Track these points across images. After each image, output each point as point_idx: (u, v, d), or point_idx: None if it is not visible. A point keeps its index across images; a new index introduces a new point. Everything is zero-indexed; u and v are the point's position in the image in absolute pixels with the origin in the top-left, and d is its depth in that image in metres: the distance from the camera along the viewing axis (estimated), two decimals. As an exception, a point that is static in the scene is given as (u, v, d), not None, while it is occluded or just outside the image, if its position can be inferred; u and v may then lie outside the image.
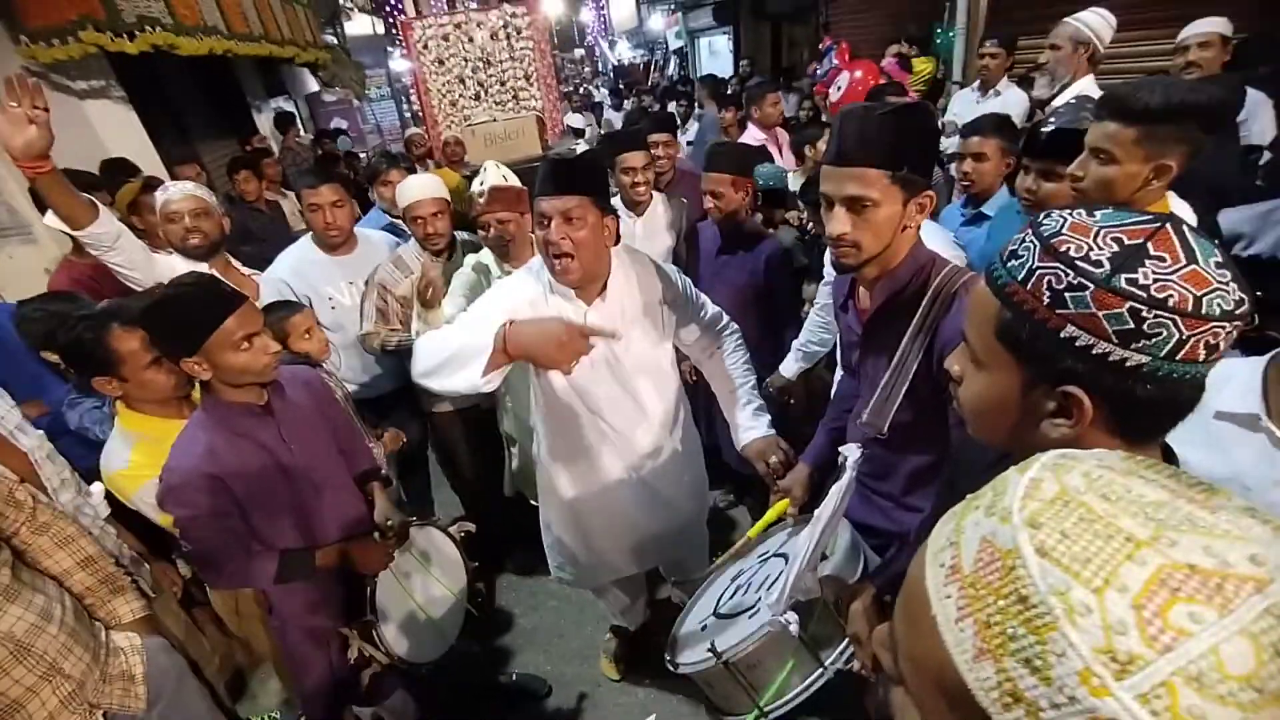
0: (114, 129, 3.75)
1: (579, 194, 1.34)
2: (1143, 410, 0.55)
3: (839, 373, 1.81)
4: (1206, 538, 0.31)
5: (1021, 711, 0.31)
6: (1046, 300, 0.55)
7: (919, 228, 1.15)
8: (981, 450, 0.77)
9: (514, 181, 2.01)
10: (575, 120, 6.55)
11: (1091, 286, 0.53)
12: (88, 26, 3.05)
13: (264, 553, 1.41)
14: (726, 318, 1.73)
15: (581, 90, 13.85)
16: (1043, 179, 1.56)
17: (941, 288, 1.13)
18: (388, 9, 10.86)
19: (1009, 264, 0.59)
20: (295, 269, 2.24)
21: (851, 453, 1.13)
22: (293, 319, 1.84)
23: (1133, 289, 0.52)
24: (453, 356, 1.31)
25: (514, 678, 2.18)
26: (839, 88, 4.38)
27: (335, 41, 8.38)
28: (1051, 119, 1.58)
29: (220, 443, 1.35)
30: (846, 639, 1.05)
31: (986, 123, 2.01)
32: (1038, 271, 0.56)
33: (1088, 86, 2.31)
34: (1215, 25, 2.43)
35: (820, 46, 6.43)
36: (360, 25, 10.87)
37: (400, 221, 2.54)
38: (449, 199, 2.23)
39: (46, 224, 1.89)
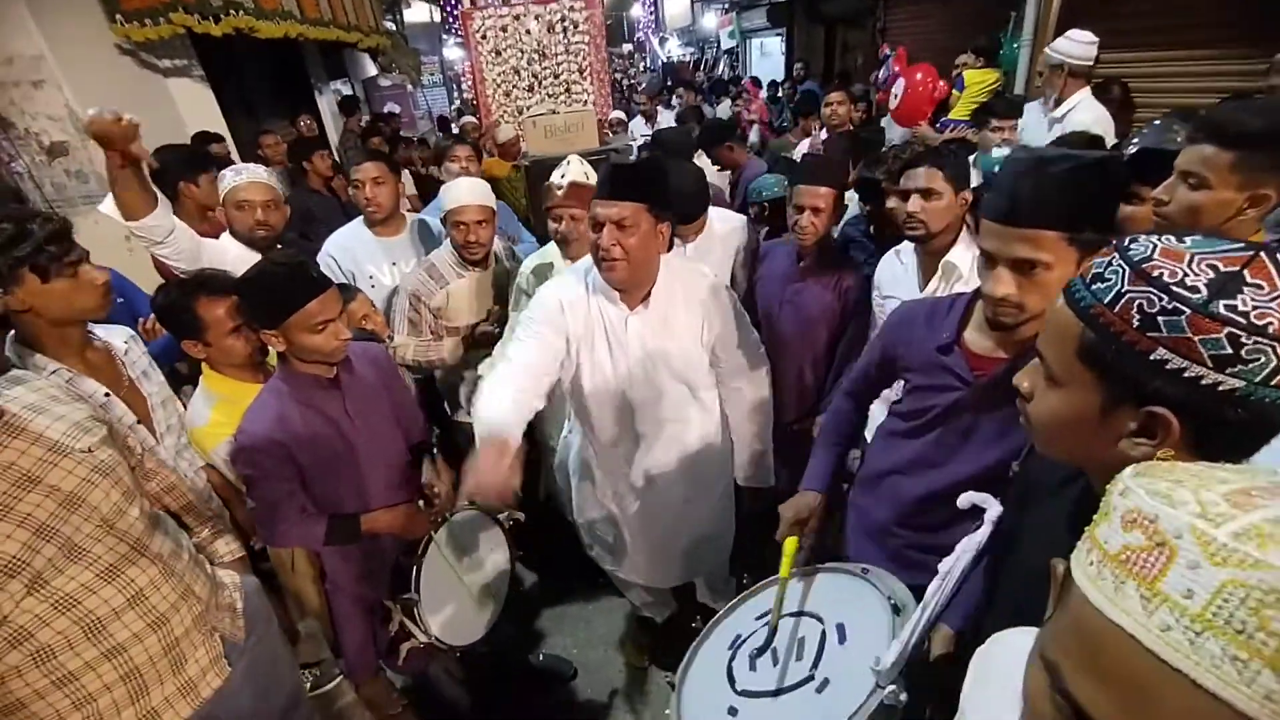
0: (192, 106, 3.95)
1: (635, 200, 1.36)
2: (1230, 432, 0.56)
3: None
4: None
5: None
6: (1137, 323, 0.56)
7: None
8: (1050, 469, 0.78)
9: (593, 180, 2.01)
10: (616, 115, 6.57)
11: (1188, 311, 0.54)
12: (178, 9, 3.24)
13: (316, 516, 1.49)
14: (764, 355, 1.71)
15: (626, 86, 13.85)
16: (1122, 201, 1.47)
17: None
18: (446, -2, 11.06)
19: (1093, 286, 0.60)
20: (342, 246, 2.31)
21: (992, 506, 0.95)
22: (350, 306, 1.89)
23: (1231, 315, 0.52)
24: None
25: (541, 659, 2.24)
26: (897, 95, 4.34)
27: (394, 28, 8.59)
28: (1135, 139, 1.54)
29: (290, 410, 1.44)
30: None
31: (1077, 141, 1.86)
32: (1127, 295, 0.57)
33: (1084, 100, 2.65)
34: None
35: (879, 54, 6.32)
36: (418, 13, 11.12)
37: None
38: (495, 208, 2.14)
39: (101, 210, 1.83)
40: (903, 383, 1.33)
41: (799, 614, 1.09)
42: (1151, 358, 0.56)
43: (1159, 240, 0.58)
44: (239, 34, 3.73)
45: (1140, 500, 0.37)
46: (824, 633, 1.01)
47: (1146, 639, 0.33)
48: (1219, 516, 0.33)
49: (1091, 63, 2.68)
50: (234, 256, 1.97)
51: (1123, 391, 0.59)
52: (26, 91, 2.86)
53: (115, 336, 1.60)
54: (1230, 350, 0.53)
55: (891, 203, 1.92)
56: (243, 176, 2.10)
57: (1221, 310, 0.53)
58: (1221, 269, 0.54)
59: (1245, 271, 0.53)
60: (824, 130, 3.73)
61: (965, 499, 0.96)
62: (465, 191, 2.04)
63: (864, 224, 2.31)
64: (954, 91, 5.04)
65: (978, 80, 4.99)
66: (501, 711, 2.07)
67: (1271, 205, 1.17)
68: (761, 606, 1.15)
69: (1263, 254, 0.53)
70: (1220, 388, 0.54)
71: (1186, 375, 0.55)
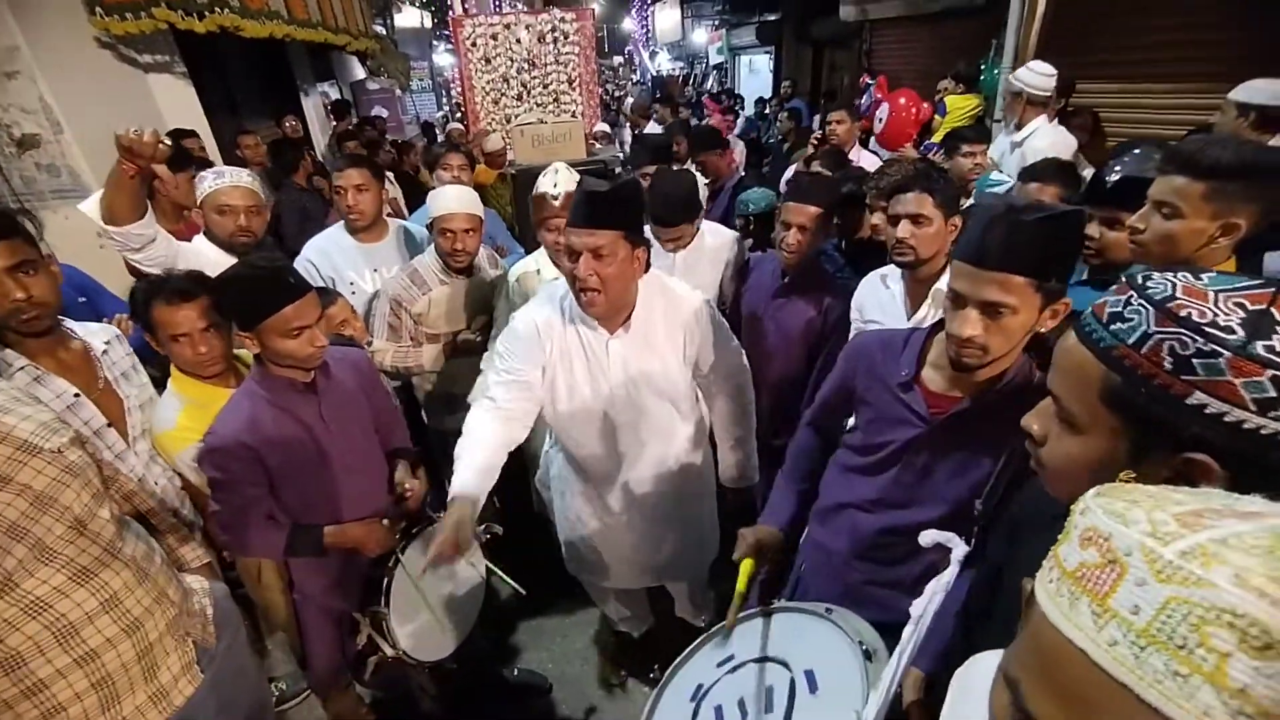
0: (173, 102, 3.88)
1: (611, 228, 1.31)
2: (1273, 477, 0.52)
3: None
4: None
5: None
6: (1169, 366, 0.54)
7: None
8: (1042, 504, 0.75)
9: None
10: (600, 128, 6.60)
11: (1226, 354, 0.52)
12: (160, 4, 3.18)
13: (279, 525, 1.45)
14: (745, 365, 1.71)
15: (615, 98, 13.94)
16: (1105, 227, 1.50)
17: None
18: (438, 5, 11.07)
19: (1112, 326, 0.58)
20: (322, 250, 2.27)
21: (957, 545, 0.94)
22: (329, 310, 1.87)
23: (1272, 356, 0.51)
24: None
25: (516, 673, 2.20)
26: (881, 119, 4.43)
27: (384, 32, 8.56)
28: (1117, 166, 1.57)
29: (263, 413, 1.40)
30: None
31: (1046, 168, 1.88)
32: (1155, 335, 0.55)
33: (1042, 126, 2.84)
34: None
35: (860, 83, 6.45)
36: (409, 18, 11.09)
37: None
38: (482, 217, 2.12)
39: (81, 209, 1.82)
40: (855, 414, 1.31)
41: (763, 659, 1.03)
42: (1188, 402, 0.53)
43: (1177, 278, 0.56)
44: (224, 32, 3.68)
45: (1097, 519, 0.38)
46: (793, 681, 0.96)
47: (1095, 654, 0.34)
48: (1168, 535, 0.34)
49: (1049, 92, 2.86)
50: (211, 260, 1.92)
51: (1155, 437, 0.56)
52: (0, 84, 2.79)
53: (96, 336, 1.56)
54: (1274, 393, 0.51)
55: (876, 219, 1.93)
56: (225, 180, 2.04)
57: (1260, 351, 0.51)
58: (1250, 307, 0.53)
59: (1273, 309, 0.52)
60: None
61: (928, 538, 0.94)
62: (454, 199, 2.02)
63: (835, 237, 2.30)
64: (936, 116, 5.17)
65: (959, 105, 5.12)
66: None
67: (1241, 233, 1.21)
68: (721, 654, 1.09)
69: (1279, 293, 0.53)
70: (1263, 431, 0.52)
71: (1227, 420, 0.52)
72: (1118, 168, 1.56)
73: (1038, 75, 2.84)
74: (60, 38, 3.05)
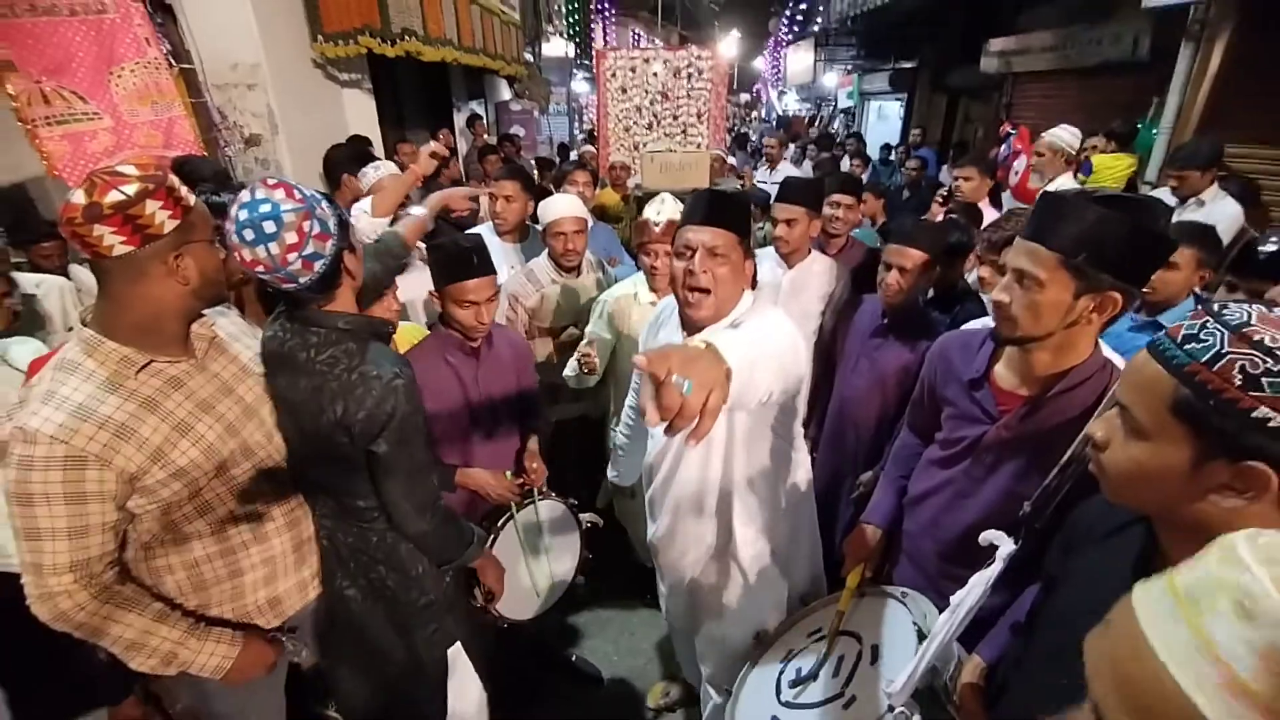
0: (357, 114, 4.54)
1: (730, 229, 1.27)
2: None
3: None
4: None
5: None
6: (1239, 382, 0.61)
7: (1099, 329, 1.10)
8: (1101, 518, 0.82)
9: None
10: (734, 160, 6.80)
11: None
12: (365, 33, 3.78)
13: None
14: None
15: (741, 134, 14.23)
16: (1249, 296, 1.51)
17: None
18: (581, 37, 11.92)
19: (1186, 346, 0.65)
20: None
21: (1004, 543, 1.00)
22: None
23: None
24: None
25: (574, 659, 2.30)
26: (1017, 172, 4.29)
27: (531, 59, 9.36)
28: (1273, 239, 1.53)
29: (432, 363, 1.67)
30: None
31: (1187, 230, 1.83)
32: (1228, 355, 0.62)
33: (1067, 182, 3.38)
34: None
35: (1000, 132, 6.22)
36: (555, 48, 12.02)
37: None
38: (588, 219, 2.33)
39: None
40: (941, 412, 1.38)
41: (843, 633, 1.19)
42: (1253, 415, 0.60)
43: (1251, 309, 0.64)
44: (406, 55, 4.26)
45: (1240, 578, 0.38)
46: (860, 652, 1.10)
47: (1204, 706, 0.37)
48: None
49: (1075, 150, 3.56)
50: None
51: (1218, 446, 0.63)
52: (242, 92, 3.44)
53: None
54: None
55: (984, 272, 1.94)
56: (380, 170, 2.73)
57: None
58: None
59: None
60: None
61: (985, 537, 1.00)
62: (562, 206, 2.28)
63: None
64: (1080, 175, 4.90)
65: (1108, 165, 4.80)
66: (520, 693, 2.13)
67: None
68: (815, 625, 1.27)
69: None
70: None
71: None
72: (1275, 239, 1.51)
73: (1069, 134, 3.51)
74: (288, 58, 3.71)
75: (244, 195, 1.10)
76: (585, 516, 1.89)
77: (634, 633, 2.45)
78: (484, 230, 2.67)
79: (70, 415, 1.00)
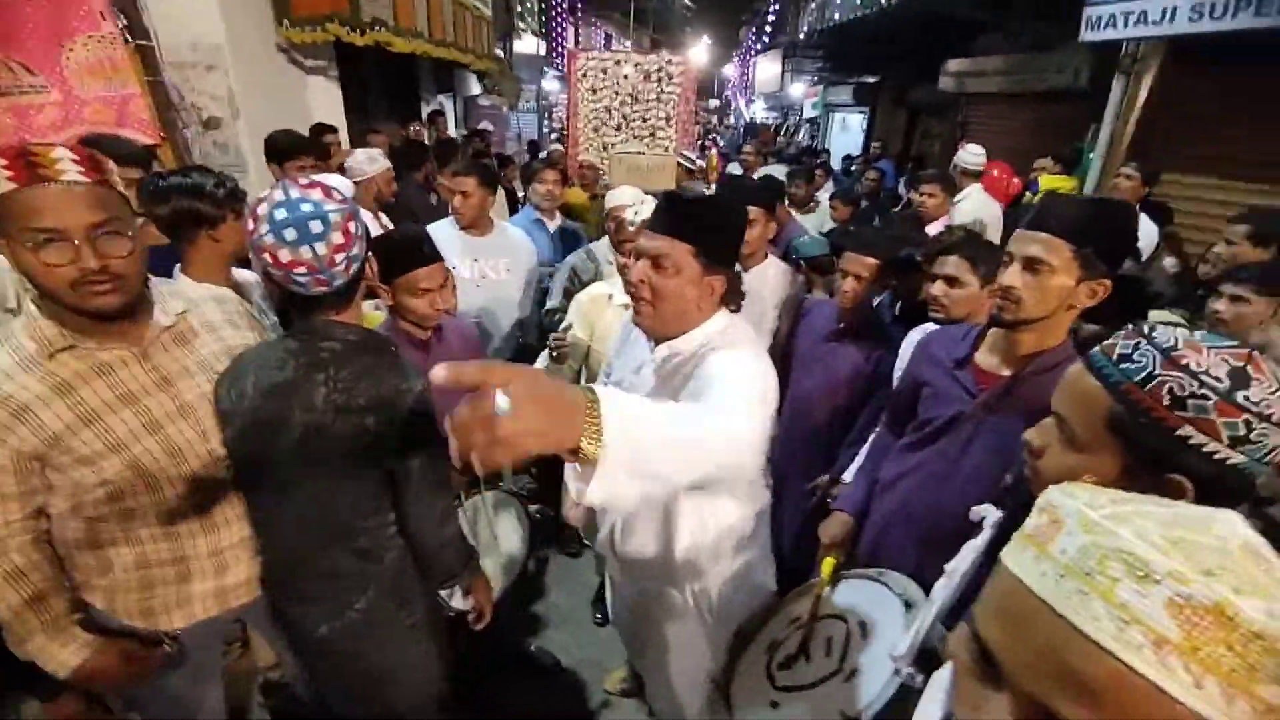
0: (322, 101, 4.45)
1: (682, 239, 1.16)
2: (1222, 495, 0.66)
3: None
4: None
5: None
6: (1167, 403, 0.66)
7: (1082, 314, 1.20)
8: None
9: None
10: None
11: (1214, 398, 0.65)
12: (334, 20, 3.72)
13: None
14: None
15: (709, 138, 14.43)
16: (1234, 303, 1.77)
17: None
18: (553, 36, 11.90)
19: (1121, 365, 0.70)
20: (434, 236, 2.65)
21: (990, 514, 1.01)
22: None
23: (1248, 404, 0.64)
24: None
25: (533, 649, 2.32)
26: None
27: (502, 55, 9.30)
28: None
29: None
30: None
31: (957, 241, 1.93)
32: (1159, 377, 0.67)
33: (976, 194, 3.86)
34: None
35: (956, 147, 6.51)
36: (526, 45, 11.97)
37: (544, 217, 3.24)
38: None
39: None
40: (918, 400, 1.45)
41: (827, 617, 1.25)
42: (1178, 433, 0.66)
43: (1177, 333, 0.70)
44: (375, 45, 4.21)
45: (1052, 496, 0.51)
46: (848, 631, 1.16)
47: (1030, 582, 0.46)
48: (1098, 506, 0.47)
49: (980, 168, 4.00)
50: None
51: (1145, 458, 0.69)
52: (200, 73, 3.35)
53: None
54: (1244, 433, 0.65)
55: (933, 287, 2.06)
56: (377, 165, 3.03)
57: (1239, 399, 0.65)
58: (1232, 363, 0.67)
59: (1248, 367, 0.66)
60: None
61: (975, 512, 1.03)
62: (627, 195, 2.47)
63: (890, 297, 2.35)
64: (1027, 193, 5.18)
65: (1053, 185, 5.11)
66: (478, 685, 2.11)
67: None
68: (793, 613, 1.33)
69: (1254, 352, 0.67)
70: (1229, 461, 0.66)
71: (1205, 450, 0.66)
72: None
73: (973, 155, 4.05)
74: (252, 41, 3.62)
75: (276, 195, 1.07)
76: (533, 509, 1.92)
77: (593, 623, 2.50)
78: (445, 224, 2.70)
79: None
